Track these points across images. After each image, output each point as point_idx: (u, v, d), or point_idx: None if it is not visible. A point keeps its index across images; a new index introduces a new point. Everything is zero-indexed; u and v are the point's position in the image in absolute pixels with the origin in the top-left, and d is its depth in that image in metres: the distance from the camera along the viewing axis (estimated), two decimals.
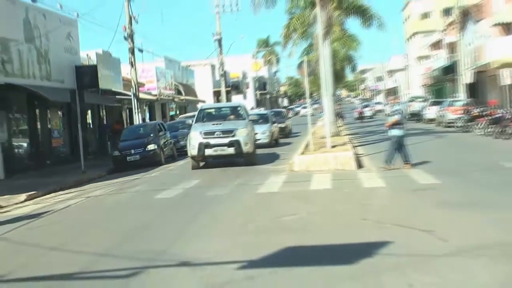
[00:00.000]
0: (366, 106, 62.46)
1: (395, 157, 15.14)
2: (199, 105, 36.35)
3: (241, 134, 18.06)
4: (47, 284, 6.63)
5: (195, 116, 20.96)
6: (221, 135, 18.07)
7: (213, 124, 18.98)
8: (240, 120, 19.46)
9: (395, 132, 15.18)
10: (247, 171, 17.05)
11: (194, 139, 18.18)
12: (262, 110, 43.58)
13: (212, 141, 17.98)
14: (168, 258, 7.23)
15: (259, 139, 23.37)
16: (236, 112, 20.34)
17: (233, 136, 17.96)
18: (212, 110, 22.43)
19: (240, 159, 18.50)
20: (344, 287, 5.55)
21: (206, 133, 18.18)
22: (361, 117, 52.31)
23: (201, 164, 18.88)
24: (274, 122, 28.84)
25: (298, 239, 7.87)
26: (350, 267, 6.26)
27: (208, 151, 18.03)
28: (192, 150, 18.21)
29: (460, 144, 22.31)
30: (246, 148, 18.02)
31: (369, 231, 8.08)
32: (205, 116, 20.33)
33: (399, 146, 15.15)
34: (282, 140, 29.67)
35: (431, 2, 62.76)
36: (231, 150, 17.96)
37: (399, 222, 8.51)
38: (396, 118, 15.50)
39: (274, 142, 27.03)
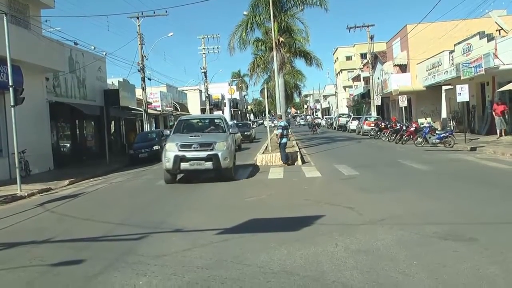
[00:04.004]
0: (302, 119, 77.24)
1: (288, 156, 15.68)
2: None
3: (220, 147, 12.20)
4: (82, 244, 6.48)
5: (174, 127, 14.79)
6: (198, 148, 12.16)
7: (191, 136, 12.82)
8: (219, 132, 13.47)
9: (283, 140, 15.64)
10: None
11: (169, 151, 12.18)
12: (233, 121, 43.34)
13: (188, 154, 12.09)
14: (166, 227, 7.11)
15: None
16: (216, 124, 14.30)
17: (211, 149, 12.12)
18: (192, 121, 15.67)
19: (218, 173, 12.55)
20: (290, 246, 5.52)
21: (183, 146, 12.23)
22: (299, 125, 68.55)
23: (178, 177, 13.01)
24: (237, 132, 26.16)
25: (259, 214, 7.82)
26: (296, 233, 6.26)
27: (183, 165, 12.09)
28: (167, 163, 12.11)
29: (372, 147, 22.55)
30: (225, 163, 12.14)
31: (309, 208, 8.08)
32: (185, 127, 14.00)
33: (284, 149, 15.62)
34: (247, 145, 28.79)
35: (352, 48, 63.50)
36: (208, 165, 12.11)
37: (330, 202, 8.53)
38: (280, 131, 15.85)
39: (237, 147, 24.51)
